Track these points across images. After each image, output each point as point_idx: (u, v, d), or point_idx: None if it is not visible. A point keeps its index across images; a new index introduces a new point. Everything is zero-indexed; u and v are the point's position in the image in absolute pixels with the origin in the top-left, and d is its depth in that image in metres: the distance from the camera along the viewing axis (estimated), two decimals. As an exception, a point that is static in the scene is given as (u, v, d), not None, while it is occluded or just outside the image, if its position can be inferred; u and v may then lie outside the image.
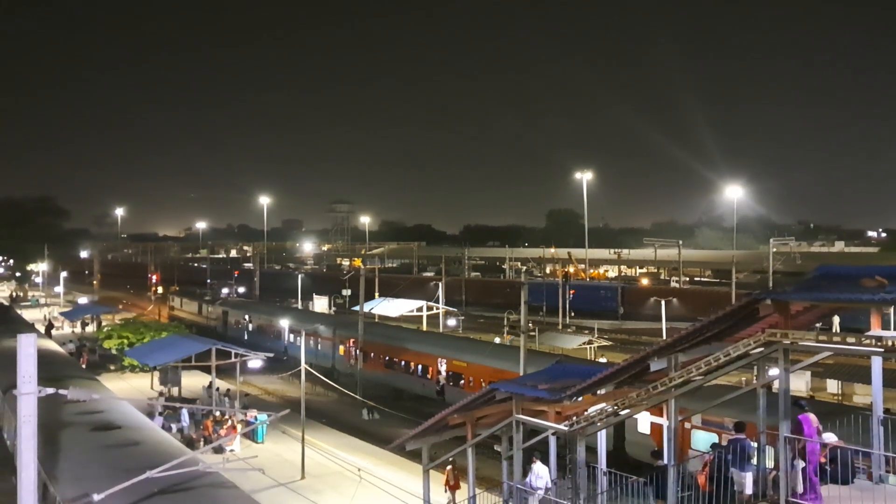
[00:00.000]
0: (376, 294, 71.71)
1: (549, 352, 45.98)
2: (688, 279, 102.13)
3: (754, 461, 13.50)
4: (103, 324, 64.86)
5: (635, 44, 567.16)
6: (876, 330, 13.01)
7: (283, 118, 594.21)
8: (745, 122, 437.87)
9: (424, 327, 60.32)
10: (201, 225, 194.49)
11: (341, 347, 51.12)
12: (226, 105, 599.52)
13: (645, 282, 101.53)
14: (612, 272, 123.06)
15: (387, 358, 46.23)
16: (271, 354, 40.21)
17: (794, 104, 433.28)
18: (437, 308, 64.69)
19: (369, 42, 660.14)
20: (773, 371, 13.58)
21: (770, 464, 13.67)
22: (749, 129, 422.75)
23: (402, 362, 45.08)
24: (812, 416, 13.31)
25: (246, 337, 63.20)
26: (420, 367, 43.52)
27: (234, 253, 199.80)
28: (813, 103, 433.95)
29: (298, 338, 52.62)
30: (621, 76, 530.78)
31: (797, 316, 13.24)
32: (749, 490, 13.23)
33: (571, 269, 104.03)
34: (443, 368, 41.78)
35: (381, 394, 42.35)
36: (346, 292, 77.33)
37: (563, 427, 15.44)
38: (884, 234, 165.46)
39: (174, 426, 32.32)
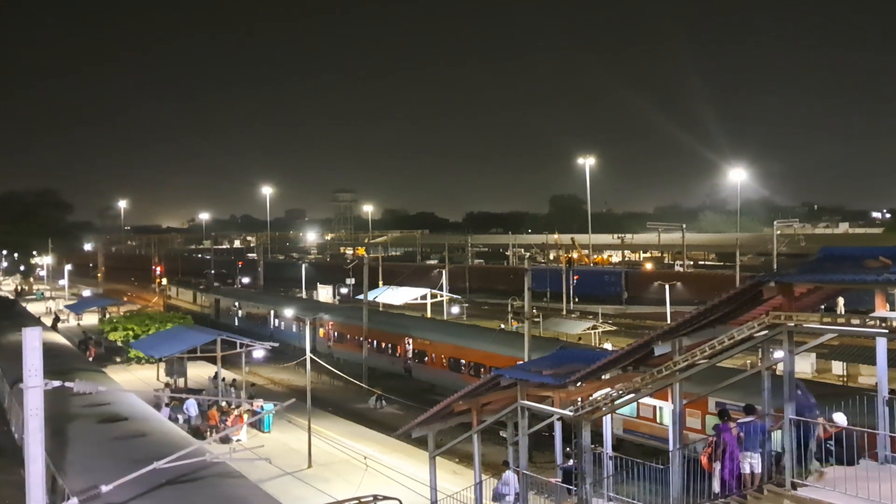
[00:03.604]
0: (380, 282, 71.78)
1: (544, 336, 46.63)
2: (692, 263, 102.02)
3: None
4: (108, 315, 65.04)
5: (637, 27, 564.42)
6: (880, 311, 13.01)
7: (285, 108, 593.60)
8: (748, 105, 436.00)
9: (429, 315, 60.54)
10: (204, 216, 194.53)
11: (321, 330, 53.31)
12: (228, 95, 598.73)
13: (649, 266, 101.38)
14: (616, 257, 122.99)
15: (359, 338, 48.55)
16: (276, 344, 40.51)
17: (797, 85, 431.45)
18: (441, 295, 64.80)
19: (371, 31, 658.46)
20: (778, 353, 13.59)
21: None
22: (752, 111, 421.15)
23: (374, 342, 47.46)
24: (733, 426, 13.79)
25: (236, 323, 65.50)
26: (389, 346, 46.20)
27: (237, 243, 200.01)
28: (816, 84, 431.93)
29: (283, 322, 57.86)
30: (623, 60, 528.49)
31: (801, 298, 13.24)
32: (758, 471, 13.32)
33: (575, 255, 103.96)
34: (409, 347, 44.46)
35: (356, 372, 43.29)
36: (350, 281, 77.46)
37: (568, 412, 15.47)
38: (888, 215, 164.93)
39: (181, 417, 32.44)
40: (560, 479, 17.13)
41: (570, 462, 17.02)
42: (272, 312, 60.94)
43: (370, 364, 46.79)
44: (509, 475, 17.98)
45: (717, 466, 13.78)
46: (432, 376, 42.47)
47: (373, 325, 48.26)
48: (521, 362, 35.63)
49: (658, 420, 26.89)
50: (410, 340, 44.81)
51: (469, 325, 52.63)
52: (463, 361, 39.81)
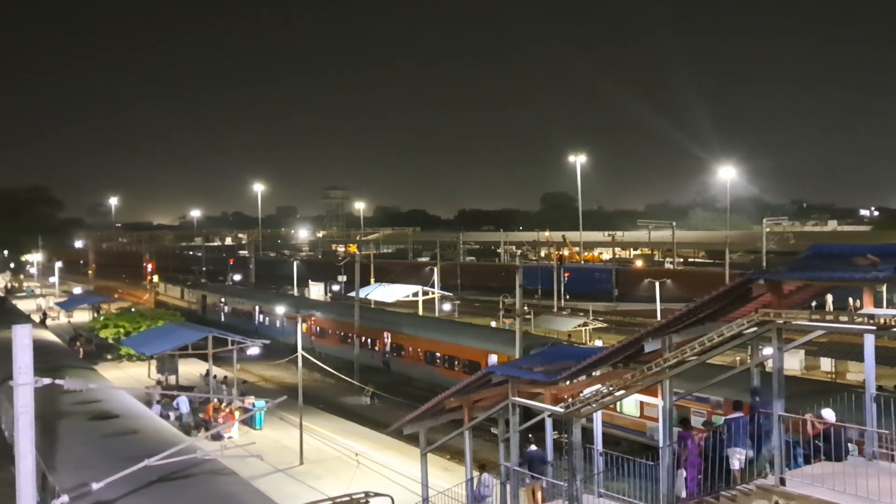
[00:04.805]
0: (372, 280, 71.78)
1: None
2: (682, 260, 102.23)
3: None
4: (101, 313, 64.75)
5: (628, 25, 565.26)
6: (868, 308, 13.09)
7: (276, 105, 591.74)
8: (738, 102, 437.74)
9: (420, 312, 60.60)
10: (195, 213, 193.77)
11: (304, 325, 53.24)
12: (219, 92, 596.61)
13: (639, 263, 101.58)
14: (607, 254, 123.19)
15: (341, 334, 50.13)
16: (268, 341, 40.53)
17: (786, 83, 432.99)
18: (433, 293, 64.84)
19: (362, 29, 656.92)
20: (767, 350, 13.67)
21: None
22: (742, 108, 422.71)
23: (353, 336, 48.38)
24: (694, 434, 14.03)
25: (222, 318, 66.41)
26: (369, 340, 47.42)
27: (229, 241, 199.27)
28: (805, 82, 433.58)
29: (267, 318, 59.33)
30: (614, 57, 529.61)
31: (790, 295, 13.31)
32: (744, 466, 13.39)
33: (566, 252, 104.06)
34: (388, 342, 45.88)
35: (338, 366, 43.48)
36: (342, 278, 77.44)
37: (558, 409, 15.52)
38: (876, 213, 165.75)
39: (172, 414, 32.38)
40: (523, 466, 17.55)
41: (532, 448, 17.53)
42: (257, 308, 62.27)
43: (351, 358, 47.50)
44: (488, 477, 18.23)
45: (682, 473, 13.90)
46: (409, 369, 43.94)
47: (353, 321, 49.08)
48: (504, 360, 36.76)
49: (618, 410, 27.37)
50: (389, 335, 45.97)
51: (444, 320, 54.63)
52: (438, 355, 41.29)
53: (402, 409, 32.39)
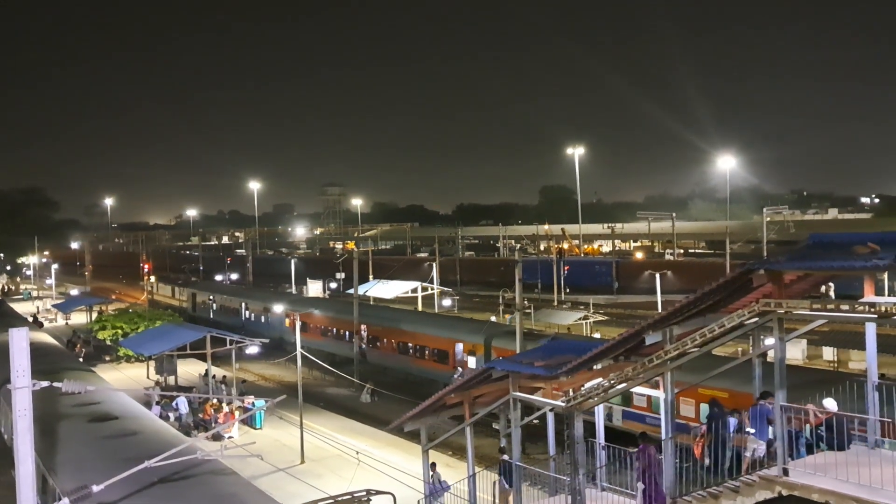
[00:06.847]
0: (370, 276, 71.69)
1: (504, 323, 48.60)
2: (682, 251, 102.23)
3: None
4: (101, 314, 64.62)
5: (625, 17, 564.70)
6: (869, 296, 13.04)
7: (272, 102, 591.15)
8: (736, 92, 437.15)
9: (420, 308, 60.60)
10: (192, 212, 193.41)
11: (287, 320, 54.83)
12: (215, 91, 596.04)
13: (639, 255, 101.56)
14: (607, 247, 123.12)
15: (321, 327, 51.60)
16: (266, 340, 40.54)
17: (785, 73, 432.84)
18: (432, 288, 64.80)
19: (359, 24, 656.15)
20: (769, 340, 13.62)
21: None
22: (740, 98, 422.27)
23: (334, 330, 50.19)
24: (653, 448, 13.94)
25: (211, 315, 67.79)
26: (347, 332, 48.70)
27: (225, 239, 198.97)
28: (804, 71, 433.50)
29: (254, 314, 61.35)
30: (612, 49, 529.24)
31: (791, 285, 13.25)
32: (761, 454, 13.35)
33: (566, 246, 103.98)
34: (364, 334, 47.21)
35: (320, 358, 43.33)
36: (340, 275, 77.39)
37: (560, 403, 15.47)
38: (877, 200, 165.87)
39: (171, 415, 32.32)
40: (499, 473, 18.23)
41: (504, 457, 17.99)
42: (243, 304, 63.72)
43: (332, 350, 48.39)
44: (439, 474, 19.46)
45: (640, 487, 13.83)
46: (384, 360, 45.38)
47: (333, 314, 50.59)
48: (469, 348, 37.48)
49: None
50: (365, 327, 47.12)
51: (415, 312, 55.92)
52: (410, 345, 42.73)
53: (402, 406, 32.38)
